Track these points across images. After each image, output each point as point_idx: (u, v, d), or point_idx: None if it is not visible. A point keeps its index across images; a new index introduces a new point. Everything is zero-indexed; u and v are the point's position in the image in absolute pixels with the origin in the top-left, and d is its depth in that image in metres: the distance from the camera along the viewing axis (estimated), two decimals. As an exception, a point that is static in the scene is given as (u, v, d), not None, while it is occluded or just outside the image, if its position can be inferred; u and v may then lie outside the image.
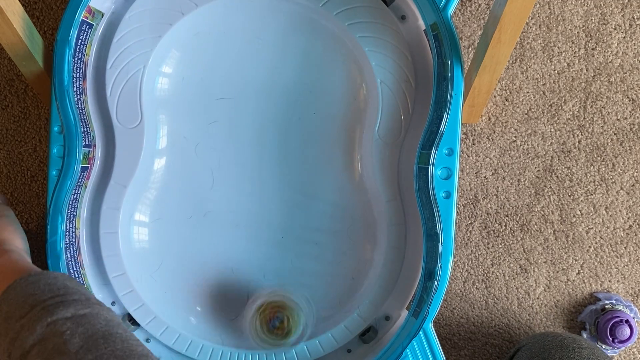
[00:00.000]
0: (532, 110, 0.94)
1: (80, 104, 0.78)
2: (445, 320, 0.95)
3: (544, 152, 0.94)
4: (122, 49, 0.79)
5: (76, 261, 0.79)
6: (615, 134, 0.94)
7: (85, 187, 0.80)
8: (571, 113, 0.94)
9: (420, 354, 0.78)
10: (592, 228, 0.94)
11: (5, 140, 0.95)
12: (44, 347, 0.54)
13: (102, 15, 0.79)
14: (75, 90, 0.77)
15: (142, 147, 0.80)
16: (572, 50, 0.93)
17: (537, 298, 0.95)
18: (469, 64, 0.87)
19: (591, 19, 0.93)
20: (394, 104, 0.79)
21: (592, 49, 0.93)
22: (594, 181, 0.94)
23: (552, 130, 0.94)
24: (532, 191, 0.94)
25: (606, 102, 0.94)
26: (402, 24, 0.79)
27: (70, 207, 0.78)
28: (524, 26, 0.75)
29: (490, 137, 0.94)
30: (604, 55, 0.93)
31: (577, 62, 0.94)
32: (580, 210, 0.94)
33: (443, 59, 0.75)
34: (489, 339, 0.95)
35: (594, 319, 0.93)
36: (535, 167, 0.94)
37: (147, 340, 0.83)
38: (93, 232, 0.81)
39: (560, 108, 0.94)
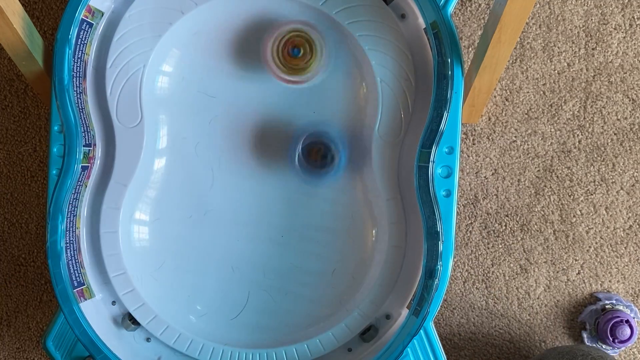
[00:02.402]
0: (532, 110, 0.94)
1: (80, 103, 0.78)
2: (446, 320, 0.95)
3: (544, 152, 0.94)
4: (122, 48, 0.79)
5: (76, 260, 0.79)
6: (615, 134, 0.94)
7: (86, 186, 0.80)
8: (571, 113, 0.94)
9: (421, 352, 0.78)
10: (592, 228, 0.94)
11: (5, 140, 0.95)
12: None
13: (102, 14, 0.79)
14: (75, 89, 0.77)
15: (142, 146, 0.80)
16: (572, 50, 0.94)
17: (537, 298, 0.95)
18: (469, 63, 0.87)
19: (591, 19, 0.93)
20: (393, 102, 0.79)
21: (592, 48, 0.93)
22: (594, 181, 0.94)
23: (552, 130, 0.94)
24: (532, 191, 0.94)
25: (606, 102, 0.94)
26: (402, 22, 0.79)
27: (70, 207, 0.78)
28: (524, 26, 0.75)
29: (490, 137, 0.94)
30: (604, 55, 0.93)
31: (577, 62, 0.94)
32: (580, 210, 0.94)
33: (443, 57, 0.75)
34: (489, 339, 0.95)
35: (594, 319, 0.93)
36: (536, 167, 0.94)
37: (148, 339, 0.83)
38: (93, 231, 0.81)
39: (560, 108, 0.94)
